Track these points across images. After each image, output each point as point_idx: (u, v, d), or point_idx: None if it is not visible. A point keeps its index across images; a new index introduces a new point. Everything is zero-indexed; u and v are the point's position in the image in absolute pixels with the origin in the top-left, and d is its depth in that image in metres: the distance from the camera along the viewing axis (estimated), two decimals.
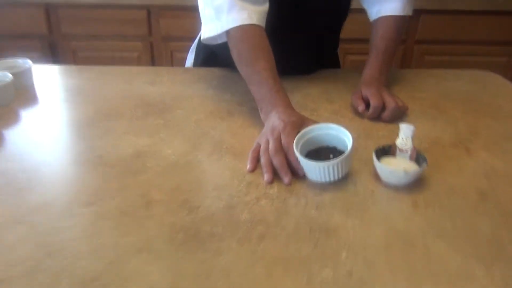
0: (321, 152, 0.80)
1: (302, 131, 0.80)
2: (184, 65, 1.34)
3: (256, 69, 0.93)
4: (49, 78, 1.16)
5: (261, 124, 0.90)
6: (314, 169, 0.75)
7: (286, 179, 0.76)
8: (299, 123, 0.84)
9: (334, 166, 0.74)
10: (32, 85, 1.11)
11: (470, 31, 2.24)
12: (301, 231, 0.65)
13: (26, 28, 2.23)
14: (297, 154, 0.75)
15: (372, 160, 0.77)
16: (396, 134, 0.80)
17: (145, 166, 0.80)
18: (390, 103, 0.97)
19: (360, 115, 1.00)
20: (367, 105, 1.00)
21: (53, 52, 2.30)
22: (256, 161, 0.81)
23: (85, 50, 2.30)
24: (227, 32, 0.97)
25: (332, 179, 0.75)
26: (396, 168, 0.74)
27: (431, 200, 0.73)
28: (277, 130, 0.82)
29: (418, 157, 0.78)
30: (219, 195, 0.73)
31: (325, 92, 1.11)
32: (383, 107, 0.98)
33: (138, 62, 2.32)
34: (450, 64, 2.29)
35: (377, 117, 0.98)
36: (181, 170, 0.79)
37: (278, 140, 0.80)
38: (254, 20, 0.95)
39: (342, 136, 0.80)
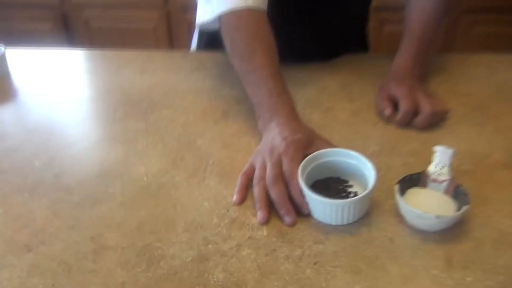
0: (331, 184, 0.62)
1: (310, 156, 0.62)
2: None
3: (252, 65, 0.74)
4: (27, 66, 1.01)
5: (260, 133, 0.73)
6: (321, 207, 0.57)
7: (288, 219, 0.59)
8: (305, 142, 0.66)
9: (350, 207, 0.56)
10: (7, 74, 0.97)
11: None
12: None
13: None
14: (302, 185, 0.58)
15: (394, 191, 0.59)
16: (431, 147, 0.60)
17: (107, 191, 0.64)
18: (425, 108, 0.77)
19: (386, 119, 0.80)
20: (396, 107, 0.80)
21: (65, 23, 2.17)
22: (246, 190, 0.64)
23: (98, 21, 2.15)
24: (219, 18, 0.78)
25: (343, 222, 0.58)
26: (426, 212, 0.55)
27: (472, 257, 0.54)
28: (277, 151, 0.64)
29: (456, 191, 0.59)
30: (190, 239, 0.57)
31: (345, 86, 0.91)
32: (416, 111, 0.78)
33: (154, 33, 2.16)
34: (504, 39, 1.99)
35: (407, 124, 0.78)
36: (150, 198, 0.63)
37: (278, 165, 0.62)
38: (250, 2, 0.75)
39: (361, 167, 0.62)
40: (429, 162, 0.61)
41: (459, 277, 0.51)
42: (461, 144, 0.74)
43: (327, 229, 0.58)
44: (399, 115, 0.78)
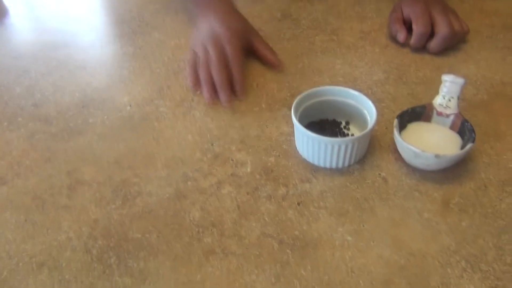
0: (326, 126, 0.57)
1: (305, 93, 0.55)
2: None
3: None
4: None
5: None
6: (315, 147, 0.52)
7: (223, 97, 0.62)
8: (245, 32, 0.68)
9: (347, 146, 0.51)
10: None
11: None
12: (265, 246, 0.46)
13: None
14: (294, 119, 0.52)
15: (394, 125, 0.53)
16: (447, 71, 0.54)
17: (86, 122, 0.61)
18: (441, 28, 0.68)
19: (399, 42, 0.72)
20: (410, 28, 0.71)
21: None
22: (196, 74, 0.64)
23: None
24: None
25: (338, 165, 0.53)
26: (424, 150, 0.49)
27: (472, 200, 0.49)
28: (220, 39, 0.65)
29: (463, 126, 0.53)
30: (169, 175, 0.53)
31: (357, 3, 0.82)
32: (432, 32, 0.69)
33: None
34: None
35: (423, 47, 0.70)
36: (132, 131, 0.60)
37: (222, 52, 0.64)
38: None
39: (361, 106, 0.55)
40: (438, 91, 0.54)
41: (454, 222, 0.47)
42: (480, 70, 0.66)
43: (316, 167, 0.53)
44: (412, 38, 0.70)
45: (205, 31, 0.67)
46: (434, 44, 0.68)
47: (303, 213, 0.49)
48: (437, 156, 0.49)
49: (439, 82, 0.54)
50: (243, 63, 0.65)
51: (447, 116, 0.53)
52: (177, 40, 0.75)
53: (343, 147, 0.51)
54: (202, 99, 0.63)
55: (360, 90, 0.55)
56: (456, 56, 0.70)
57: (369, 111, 0.53)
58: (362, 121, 0.55)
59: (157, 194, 0.51)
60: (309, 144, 0.52)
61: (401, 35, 0.71)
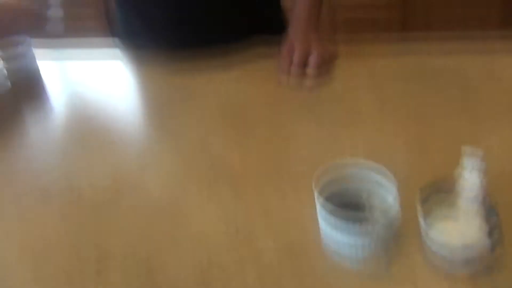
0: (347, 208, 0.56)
1: (331, 165, 0.56)
2: None
3: None
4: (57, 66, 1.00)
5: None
6: (340, 232, 0.51)
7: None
8: None
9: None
10: (35, 69, 0.97)
11: None
12: None
13: None
14: (318, 204, 0.52)
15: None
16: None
17: (118, 202, 0.63)
18: (316, 49, 0.80)
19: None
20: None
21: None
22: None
23: None
24: None
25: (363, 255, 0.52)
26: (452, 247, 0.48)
27: None
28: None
29: (484, 201, 0.52)
30: (193, 257, 0.54)
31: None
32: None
33: None
34: None
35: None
36: (160, 211, 0.62)
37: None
38: None
39: (383, 188, 0.55)
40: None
41: None
42: (495, 152, 0.65)
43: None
44: (293, 62, 0.80)
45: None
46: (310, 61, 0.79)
47: None
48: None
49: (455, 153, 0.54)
50: None
51: (470, 189, 0.53)
52: (204, 126, 0.77)
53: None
54: (227, 181, 0.65)
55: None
56: (476, 127, 0.70)
57: (393, 199, 0.53)
58: (381, 196, 0.55)
59: (181, 278, 0.52)
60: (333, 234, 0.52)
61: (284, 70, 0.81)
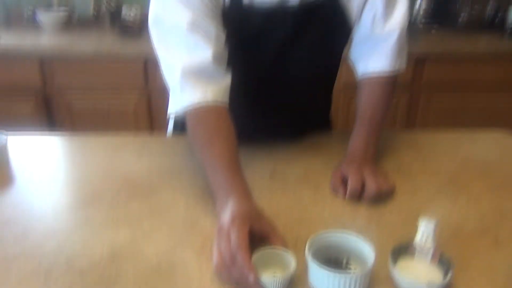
0: (331, 265, 0.68)
1: (315, 237, 0.68)
2: None
3: (210, 155, 0.83)
4: (25, 152, 1.06)
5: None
6: (327, 280, 0.63)
7: None
8: (251, 217, 0.71)
9: (356, 280, 0.62)
10: (7, 162, 1.01)
11: (476, 74, 2.16)
12: None
13: (20, 80, 2.16)
14: (310, 259, 0.64)
15: (387, 260, 0.65)
16: (413, 217, 0.68)
17: (119, 273, 0.68)
18: (370, 186, 0.86)
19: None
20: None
21: (47, 104, 2.23)
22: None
23: (80, 103, 2.22)
24: (184, 113, 0.88)
25: None
26: (418, 281, 0.62)
27: None
28: (224, 228, 0.69)
29: (441, 258, 0.66)
30: None
31: (328, 162, 1.00)
32: (363, 188, 0.87)
33: (134, 115, 2.24)
34: (460, 112, 2.19)
35: (357, 198, 0.87)
36: (163, 278, 0.67)
37: (228, 247, 0.65)
38: (209, 98, 0.85)
39: (359, 247, 0.68)
40: (414, 230, 0.68)
41: None
42: (438, 215, 0.82)
43: None
44: (347, 193, 0.87)
45: (219, 221, 0.72)
46: (365, 197, 0.86)
47: None
48: (428, 284, 0.61)
49: (410, 224, 0.68)
50: (247, 247, 0.65)
51: (427, 250, 0.67)
52: (186, 198, 0.87)
53: (353, 281, 0.62)
54: None
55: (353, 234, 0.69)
56: (418, 204, 0.86)
57: (368, 251, 0.66)
58: (359, 258, 0.68)
59: None
60: (324, 280, 0.63)
61: (341, 192, 0.88)
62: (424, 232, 0.67)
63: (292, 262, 0.65)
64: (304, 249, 0.65)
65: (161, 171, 0.97)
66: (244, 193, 0.77)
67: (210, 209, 0.82)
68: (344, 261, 0.69)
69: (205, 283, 0.66)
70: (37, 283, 0.66)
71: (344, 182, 0.89)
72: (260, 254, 0.66)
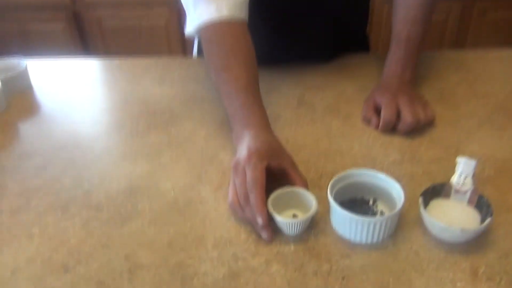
0: (356, 205, 0.63)
1: (336, 178, 0.63)
2: None
3: (226, 78, 0.75)
4: (47, 78, 1.03)
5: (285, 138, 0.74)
6: (353, 225, 0.58)
7: (264, 234, 0.59)
8: (270, 152, 0.65)
9: (382, 224, 0.57)
10: (30, 87, 0.99)
11: None
12: None
13: None
14: (332, 201, 0.59)
15: (419, 201, 0.60)
16: (452, 153, 0.61)
17: (136, 208, 0.66)
18: (406, 117, 0.77)
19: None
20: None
21: (77, 22, 2.18)
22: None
23: (110, 19, 2.16)
24: (198, 30, 0.79)
25: (373, 241, 0.59)
26: (450, 225, 0.56)
27: (497, 268, 0.55)
28: (241, 165, 0.63)
29: (479, 201, 0.60)
30: (220, 255, 0.58)
31: (361, 91, 0.92)
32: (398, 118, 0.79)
33: (165, 30, 2.16)
34: None
35: (390, 131, 0.79)
36: (179, 214, 0.65)
37: (244, 182, 0.61)
38: (224, 13, 0.75)
39: (388, 186, 0.63)
40: (451, 169, 0.62)
41: None
42: (482, 149, 0.75)
43: (352, 244, 0.59)
44: (380, 124, 0.79)
45: (234, 160, 0.66)
46: (400, 129, 0.78)
47: (349, 283, 0.54)
48: (462, 230, 0.56)
49: (449, 160, 0.62)
50: (262, 187, 0.60)
51: (464, 192, 0.61)
52: (206, 128, 0.83)
53: (378, 225, 0.57)
54: None
55: (382, 171, 0.63)
56: (459, 136, 0.78)
57: (397, 192, 0.60)
58: (387, 199, 0.62)
59: (212, 274, 0.56)
60: (346, 223, 0.59)
61: (374, 122, 0.80)
62: (463, 171, 0.61)
63: (313, 203, 0.61)
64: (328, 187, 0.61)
65: (182, 99, 0.92)
66: (263, 125, 0.71)
67: (231, 141, 0.78)
68: (371, 201, 0.64)
69: (221, 221, 0.64)
70: (54, 218, 0.66)
71: (377, 112, 0.81)
72: (280, 193, 0.62)
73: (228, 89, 0.75)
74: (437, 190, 0.62)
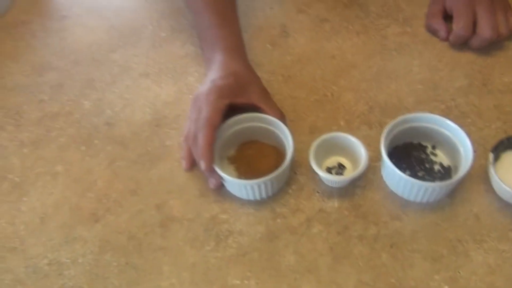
0: (413, 152, 0.55)
1: (393, 122, 0.53)
2: None
3: None
4: None
5: None
6: (407, 187, 0.51)
7: (212, 181, 0.54)
8: (235, 89, 0.56)
9: (433, 189, 0.50)
10: None
11: None
12: None
13: None
14: (388, 162, 0.51)
15: (488, 158, 0.52)
16: None
17: (163, 145, 0.60)
18: (484, 30, 0.63)
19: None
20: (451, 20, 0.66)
21: None
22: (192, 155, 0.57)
23: None
24: None
25: (429, 200, 0.52)
26: None
27: None
28: (200, 99, 0.56)
29: None
30: (257, 211, 0.54)
31: None
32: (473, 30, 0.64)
33: None
34: None
35: (462, 44, 0.66)
36: None
37: (197, 117, 0.55)
38: None
39: (451, 135, 0.53)
40: None
41: None
42: None
43: (405, 202, 0.53)
44: (451, 37, 0.66)
45: (199, 87, 0.59)
46: (474, 43, 0.64)
47: (397, 257, 0.49)
48: None
49: None
50: (212, 128, 0.53)
51: None
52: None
53: (436, 189, 0.50)
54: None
55: (447, 117, 0.53)
56: None
57: (463, 144, 0.52)
58: (449, 147, 0.54)
59: (248, 233, 0.52)
60: (398, 181, 0.52)
61: (442, 34, 0.67)
62: None
63: (363, 155, 0.53)
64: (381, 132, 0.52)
65: None
66: (233, 48, 0.60)
67: (267, 51, 0.67)
68: (429, 149, 0.56)
69: None
70: (78, 153, 0.61)
71: (447, 19, 0.67)
72: (324, 138, 0.54)
73: (196, 5, 0.64)
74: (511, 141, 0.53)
